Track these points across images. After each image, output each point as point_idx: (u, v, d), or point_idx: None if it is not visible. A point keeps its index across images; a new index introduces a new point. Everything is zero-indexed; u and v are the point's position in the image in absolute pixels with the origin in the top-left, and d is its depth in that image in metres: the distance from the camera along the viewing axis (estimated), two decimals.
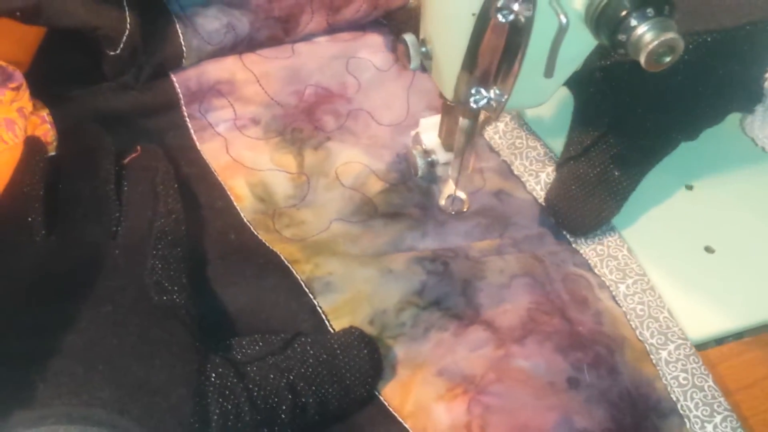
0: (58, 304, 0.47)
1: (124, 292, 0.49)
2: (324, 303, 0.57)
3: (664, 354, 0.57)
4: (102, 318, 0.47)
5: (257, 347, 0.52)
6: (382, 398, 0.54)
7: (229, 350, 0.51)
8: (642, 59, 0.45)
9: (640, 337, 0.58)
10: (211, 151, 0.66)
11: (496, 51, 0.49)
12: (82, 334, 0.46)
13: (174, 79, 0.69)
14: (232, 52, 0.71)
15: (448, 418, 0.53)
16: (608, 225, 0.63)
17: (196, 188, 0.63)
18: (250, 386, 0.49)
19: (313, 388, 0.50)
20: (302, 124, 0.68)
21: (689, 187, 0.65)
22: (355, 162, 0.67)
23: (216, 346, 0.51)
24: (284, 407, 0.49)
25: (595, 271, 0.61)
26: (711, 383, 0.56)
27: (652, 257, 0.61)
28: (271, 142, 0.67)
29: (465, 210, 0.64)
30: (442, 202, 0.64)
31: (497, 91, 0.51)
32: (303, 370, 0.51)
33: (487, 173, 0.67)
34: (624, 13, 0.44)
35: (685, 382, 0.56)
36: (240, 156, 0.66)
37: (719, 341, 0.59)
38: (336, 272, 0.59)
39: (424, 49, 0.53)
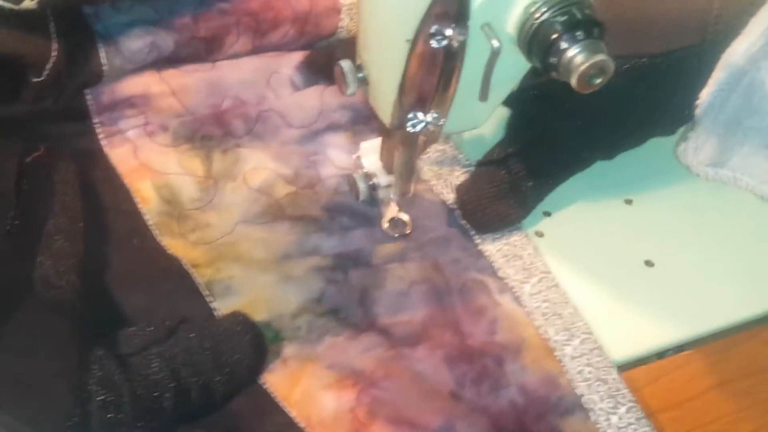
0: None
1: (9, 285, 0.50)
2: (222, 306, 0.58)
3: (568, 350, 0.58)
4: None
5: (142, 337, 0.53)
6: (267, 387, 0.55)
7: (114, 343, 0.52)
8: (573, 81, 0.45)
9: (543, 335, 0.59)
10: (120, 156, 0.66)
11: (432, 76, 0.49)
12: None
13: (85, 92, 0.68)
14: (152, 68, 0.70)
15: (335, 405, 0.55)
16: (516, 226, 0.64)
17: (102, 191, 0.63)
18: (133, 377, 0.49)
19: (197, 374, 0.51)
20: (212, 129, 0.68)
21: (628, 202, 0.66)
22: (263, 167, 0.67)
23: (102, 340, 0.51)
24: (167, 395, 0.50)
25: (499, 273, 0.62)
26: (615, 376, 0.57)
27: (593, 272, 0.62)
28: (180, 149, 0.67)
29: (408, 232, 0.64)
30: (385, 225, 0.64)
31: (434, 115, 0.52)
32: (186, 357, 0.52)
33: None
34: (555, 36, 0.45)
35: (589, 376, 0.57)
36: (148, 160, 0.66)
37: (660, 355, 0.60)
38: (236, 276, 0.60)
39: (360, 75, 0.54)
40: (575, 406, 0.56)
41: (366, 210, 0.65)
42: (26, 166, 0.57)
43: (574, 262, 0.62)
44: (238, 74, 0.71)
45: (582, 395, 0.56)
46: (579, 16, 0.45)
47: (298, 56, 0.73)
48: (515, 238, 0.64)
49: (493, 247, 0.63)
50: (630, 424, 0.55)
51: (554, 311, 0.60)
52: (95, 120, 0.67)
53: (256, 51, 0.73)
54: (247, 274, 0.60)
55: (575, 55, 0.45)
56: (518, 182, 0.62)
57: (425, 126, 0.52)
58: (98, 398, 0.47)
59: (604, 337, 0.59)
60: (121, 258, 0.59)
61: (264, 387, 0.55)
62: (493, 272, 0.62)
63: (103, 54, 0.66)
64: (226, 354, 0.53)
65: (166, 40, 0.69)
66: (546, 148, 0.62)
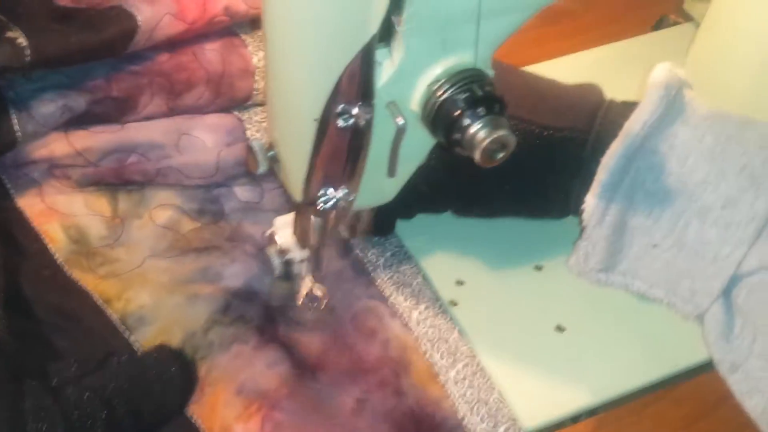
0: None
1: None
2: (139, 337, 0.60)
3: (452, 373, 0.61)
4: None
5: (72, 369, 0.54)
6: (194, 419, 0.57)
7: (46, 375, 0.53)
8: (476, 156, 0.47)
9: (429, 359, 0.61)
10: (26, 200, 0.67)
11: (340, 154, 0.50)
12: None
13: None
14: (64, 127, 0.70)
15: None
16: (405, 254, 0.67)
17: (10, 234, 0.64)
18: (66, 408, 0.51)
19: (127, 404, 0.53)
20: (112, 180, 0.69)
21: (538, 268, 0.67)
22: (168, 204, 0.69)
23: (32, 374, 0.52)
24: (99, 425, 0.51)
25: (390, 300, 0.65)
26: (496, 396, 0.59)
27: (505, 338, 0.63)
28: (85, 191, 0.68)
29: (323, 307, 0.64)
30: (300, 300, 0.64)
31: (344, 191, 0.52)
32: (117, 387, 0.53)
33: None
34: (457, 112, 0.47)
35: (471, 398, 0.59)
36: (54, 203, 0.67)
37: (575, 419, 0.61)
38: (146, 304, 0.62)
39: (271, 153, 0.54)
40: (456, 428, 0.58)
41: (264, 239, 0.66)
42: None
43: (487, 331, 0.63)
44: (147, 134, 0.72)
45: (464, 417, 0.59)
46: (480, 93, 0.47)
47: (212, 118, 0.74)
48: (405, 267, 0.66)
49: (385, 277, 0.66)
50: None
51: (440, 336, 0.63)
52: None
53: (172, 112, 0.73)
54: (156, 300, 0.62)
55: (478, 131, 0.46)
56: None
57: (336, 202, 0.53)
58: (33, 428, 0.48)
59: (517, 405, 0.59)
60: (36, 298, 0.61)
61: (191, 419, 0.57)
62: (383, 299, 0.65)
63: (15, 121, 0.67)
64: (154, 384, 0.55)
65: (78, 101, 0.69)
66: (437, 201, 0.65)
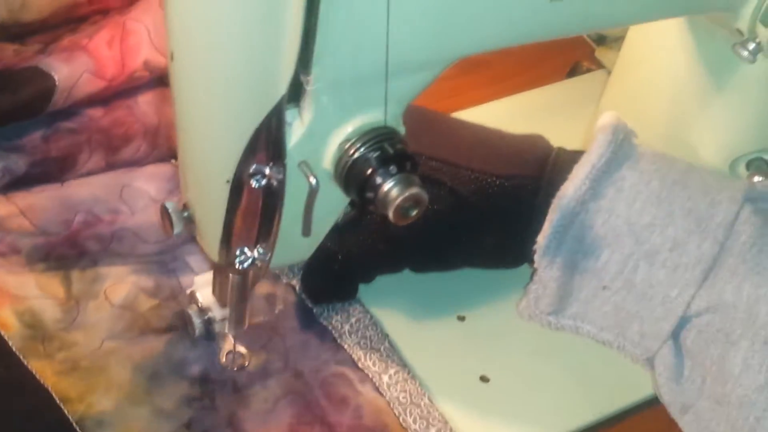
0: None
1: None
2: None
3: None
4: None
5: None
6: None
7: None
8: (390, 214, 0.47)
9: (403, 424, 0.61)
10: None
11: (254, 214, 0.50)
12: None
13: None
14: (3, 189, 0.69)
15: None
16: (370, 319, 0.66)
17: None
18: None
19: None
20: (65, 250, 0.68)
21: (461, 318, 0.68)
22: (123, 281, 0.67)
23: None
24: None
25: (359, 364, 0.64)
26: None
27: (431, 391, 0.63)
28: (36, 269, 0.66)
29: (246, 364, 0.63)
30: (223, 359, 0.63)
31: (261, 251, 0.52)
32: None
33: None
34: (369, 171, 0.47)
35: None
36: (4, 284, 0.65)
37: None
38: (108, 411, 0.60)
39: (186, 214, 0.54)
40: None
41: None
42: None
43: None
44: (89, 190, 0.71)
45: None
46: (391, 151, 0.47)
47: (150, 168, 0.74)
48: (371, 333, 0.66)
49: (352, 342, 0.65)
50: None
51: (411, 401, 0.62)
52: None
53: (110, 167, 0.73)
54: (118, 409, 0.60)
55: (390, 189, 0.47)
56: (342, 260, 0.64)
57: (253, 261, 0.53)
58: None
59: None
60: None
61: None
62: (353, 363, 0.64)
63: None
64: None
65: (18, 164, 0.69)
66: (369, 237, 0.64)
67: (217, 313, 0.62)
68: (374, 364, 0.64)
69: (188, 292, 0.64)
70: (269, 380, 0.63)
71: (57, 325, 0.64)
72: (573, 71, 0.87)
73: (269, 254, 0.52)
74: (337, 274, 0.65)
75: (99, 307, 0.65)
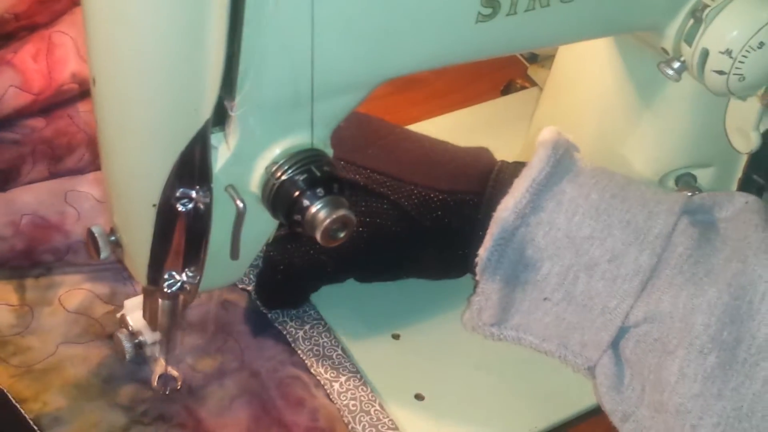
0: None
1: None
2: None
3: None
4: None
5: None
6: None
7: None
8: (318, 236, 0.47)
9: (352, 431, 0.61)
10: None
11: (182, 238, 0.49)
12: None
13: None
14: None
15: None
16: (325, 327, 0.66)
17: None
18: None
19: None
20: (20, 262, 0.67)
21: (396, 336, 0.68)
22: (78, 288, 0.67)
23: None
24: None
25: (311, 371, 0.64)
26: None
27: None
28: None
29: (179, 387, 0.63)
30: (155, 383, 0.62)
31: (189, 274, 0.52)
32: None
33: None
34: (296, 193, 0.47)
35: None
36: None
37: None
38: (64, 407, 0.60)
39: (113, 238, 0.53)
40: None
41: (184, 313, 0.64)
42: None
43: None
44: (33, 195, 0.71)
45: None
46: (318, 173, 0.47)
47: (94, 175, 0.74)
48: (325, 340, 0.66)
49: (306, 348, 0.65)
50: None
51: (361, 408, 0.62)
52: None
53: (53, 176, 0.73)
54: (74, 404, 0.61)
55: (317, 211, 0.47)
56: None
57: (181, 285, 0.52)
58: None
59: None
60: None
61: None
62: (306, 369, 0.65)
63: None
64: None
65: None
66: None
67: (148, 336, 0.61)
68: (326, 371, 0.64)
69: (118, 316, 0.63)
70: (225, 380, 0.64)
71: (11, 330, 0.64)
72: (507, 89, 0.88)
73: (198, 277, 0.52)
74: (281, 283, 0.65)
75: (53, 313, 0.65)
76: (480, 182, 0.61)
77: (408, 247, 0.63)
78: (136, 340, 0.61)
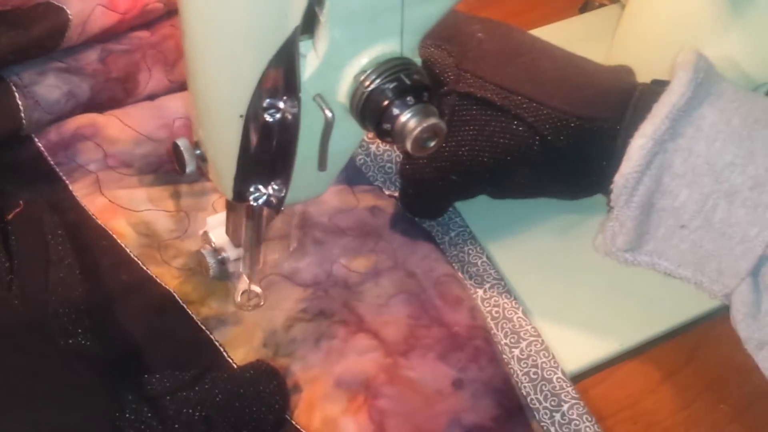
0: None
1: (30, 340, 0.50)
2: (220, 337, 0.61)
3: (516, 352, 0.61)
4: (11, 367, 0.48)
5: (167, 383, 0.54)
6: (289, 418, 0.57)
7: (141, 387, 0.53)
8: (408, 145, 0.46)
9: (495, 338, 0.62)
10: (86, 195, 0.66)
11: (269, 149, 0.49)
12: None
13: (31, 134, 0.68)
14: (69, 116, 0.70)
15: (355, 430, 0.57)
16: (469, 234, 0.67)
17: (77, 233, 0.63)
18: (166, 420, 0.51)
19: (226, 419, 0.53)
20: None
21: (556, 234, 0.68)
22: None
23: (127, 384, 0.52)
24: None
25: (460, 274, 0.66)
26: (560, 375, 0.59)
27: (523, 304, 0.64)
28: (145, 180, 0.68)
29: (262, 304, 0.63)
30: (238, 298, 0.63)
31: (275, 187, 0.52)
32: (215, 403, 0.53)
33: (359, 194, 0.69)
34: (386, 102, 0.46)
35: (535, 377, 0.60)
36: (116, 197, 0.67)
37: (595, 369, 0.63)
38: (228, 311, 0.62)
39: (198, 152, 0.53)
40: (523, 407, 0.59)
41: (334, 220, 0.67)
42: (9, 224, 0.57)
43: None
44: (181, 102, 0.73)
45: (528, 395, 0.59)
46: (408, 81, 0.46)
47: None
48: (469, 248, 0.67)
49: (451, 255, 0.67)
50: (572, 420, 0.57)
51: (504, 315, 0.63)
52: (52, 161, 0.67)
53: (174, 87, 0.73)
54: (237, 310, 0.62)
55: (408, 120, 0.46)
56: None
57: (267, 198, 0.52)
58: None
59: (556, 347, 0.62)
60: (115, 295, 0.61)
61: (287, 419, 0.57)
62: (460, 267, 0.66)
63: (21, 107, 0.67)
64: (252, 399, 0.54)
65: (82, 87, 0.69)
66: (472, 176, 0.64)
67: (231, 253, 0.62)
68: (470, 278, 0.65)
69: (201, 232, 0.64)
70: (381, 278, 0.64)
71: (170, 234, 0.65)
72: (585, 6, 0.86)
73: (284, 190, 0.51)
74: (413, 196, 0.66)
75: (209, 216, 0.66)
76: (618, 108, 0.60)
77: (540, 169, 0.62)
78: (219, 257, 0.62)
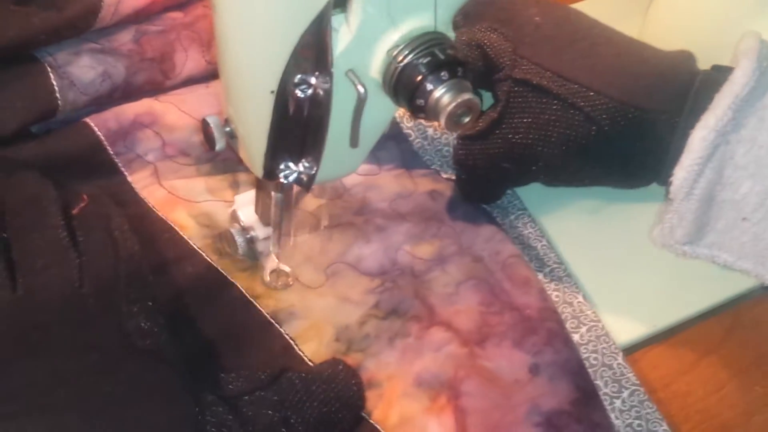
0: (39, 360, 0.46)
1: (106, 339, 0.49)
2: (290, 330, 0.59)
3: (576, 337, 0.60)
4: (90, 368, 0.47)
5: (244, 383, 0.53)
6: (366, 416, 0.56)
7: (218, 387, 0.52)
8: (442, 121, 0.45)
9: None
10: (145, 186, 0.65)
11: (300, 125, 0.48)
12: (72, 386, 0.46)
13: (91, 122, 0.67)
14: (108, 99, 0.69)
15: (439, 430, 0.55)
16: (529, 218, 0.66)
17: (139, 225, 0.61)
18: (245, 422, 0.50)
19: (305, 420, 0.52)
20: (232, 154, 0.66)
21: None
22: None
23: (203, 384, 0.52)
24: None
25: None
26: (620, 361, 0.58)
27: (583, 288, 0.63)
28: (202, 170, 0.67)
29: (291, 283, 0.63)
30: (267, 278, 0.62)
31: (306, 165, 0.51)
32: (294, 404, 0.52)
33: (417, 178, 0.68)
34: (419, 78, 0.45)
35: (595, 362, 0.59)
36: (174, 188, 0.65)
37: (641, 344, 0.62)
38: (296, 304, 0.61)
39: (228, 129, 0.53)
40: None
41: (394, 206, 0.66)
42: (74, 218, 0.55)
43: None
44: None
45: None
46: (442, 56, 0.45)
47: None
48: (530, 231, 0.66)
49: (510, 235, 0.65)
50: (633, 406, 0.56)
51: (564, 299, 0.62)
52: (111, 151, 0.66)
53: (210, 67, 0.72)
54: (305, 303, 0.61)
55: (442, 95, 0.45)
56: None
57: (298, 176, 0.51)
58: None
59: (608, 321, 0.61)
60: (182, 290, 0.60)
61: (363, 416, 0.56)
62: (521, 250, 0.64)
63: (56, 88, 0.66)
64: (332, 400, 0.53)
65: (117, 67, 0.68)
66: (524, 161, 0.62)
67: (259, 231, 0.61)
68: (531, 261, 0.64)
69: (230, 211, 0.63)
70: (447, 265, 0.63)
71: (231, 224, 0.64)
72: None
73: (315, 168, 0.51)
74: (466, 182, 0.65)
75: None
76: (678, 98, 0.59)
77: (595, 160, 0.61)
78: (248, 236, 0.61)
